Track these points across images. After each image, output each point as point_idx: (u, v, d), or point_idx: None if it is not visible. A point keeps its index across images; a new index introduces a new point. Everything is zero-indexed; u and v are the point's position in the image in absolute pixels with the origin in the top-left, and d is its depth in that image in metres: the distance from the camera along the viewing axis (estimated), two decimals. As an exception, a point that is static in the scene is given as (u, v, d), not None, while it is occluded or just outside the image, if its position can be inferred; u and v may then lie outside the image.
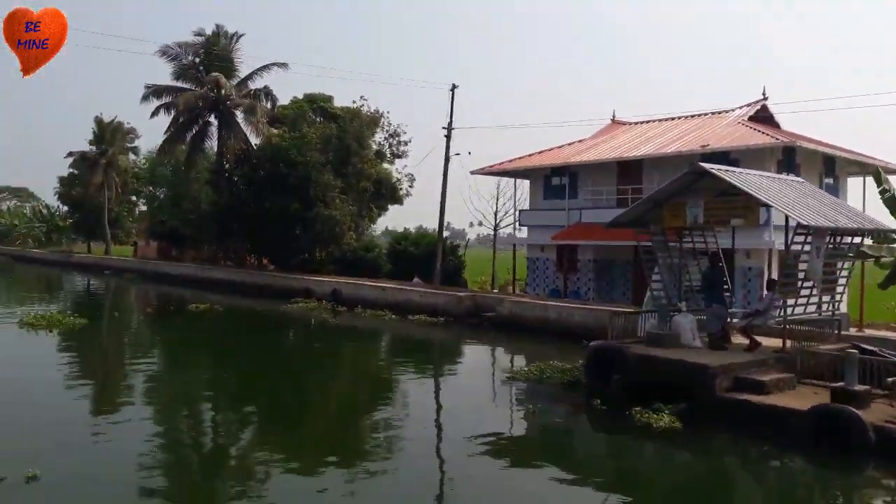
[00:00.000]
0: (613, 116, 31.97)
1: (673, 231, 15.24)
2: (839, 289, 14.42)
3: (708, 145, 22.92)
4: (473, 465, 9.65)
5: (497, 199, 35.27)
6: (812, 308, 13.69)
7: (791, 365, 12.58)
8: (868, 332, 16.95)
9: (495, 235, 37.66)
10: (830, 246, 13.64)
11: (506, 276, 34.86)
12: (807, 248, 12.91)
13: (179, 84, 41.86)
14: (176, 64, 41.45)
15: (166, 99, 41.24)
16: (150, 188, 60.04)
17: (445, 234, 35.79)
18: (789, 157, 22.36)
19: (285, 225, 37.00)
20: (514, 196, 32.35)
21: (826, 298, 14.01)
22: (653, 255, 15.37)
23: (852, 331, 16.67)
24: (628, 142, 27.75)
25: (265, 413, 12.85)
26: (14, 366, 16.04)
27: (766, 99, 26.45)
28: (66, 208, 75.39)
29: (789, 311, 13.39)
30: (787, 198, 13.45)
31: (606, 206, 25.96)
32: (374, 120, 41.12)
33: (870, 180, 24.52)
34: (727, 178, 13.14)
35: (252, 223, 38.59)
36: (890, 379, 11.15)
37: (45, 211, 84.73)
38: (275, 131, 38.68)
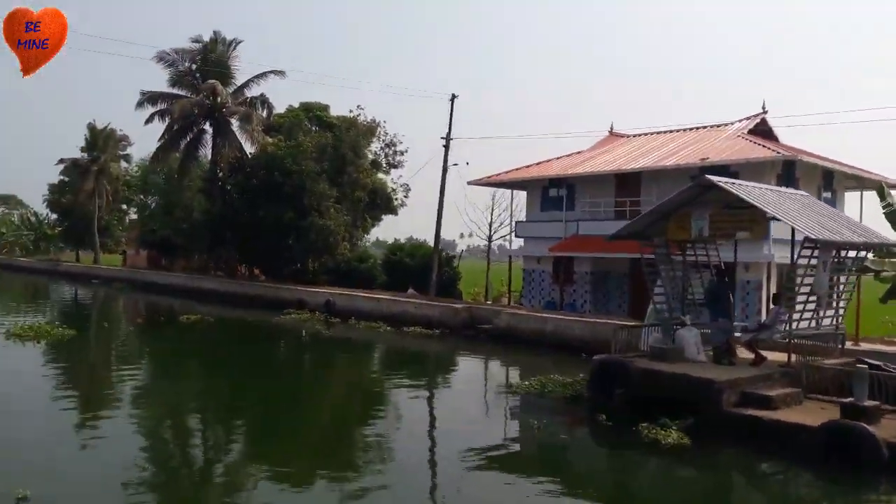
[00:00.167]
0: (611, 129, 31.96)
1: (675, 244, 15.10)
2: (842, 303, 14.30)
3: (707, 158, 22.87)
4: (478, 480, 9.43)
5: (492, 211, 35.19)
6: (815, 322, 13.54)
7: (797, 380, 12.41)
8: (864, 345, 16.83)
9: (489, 247, 37.51)
10: (835, 260, 13.53)
11: (499, 288, 34.65)
12: (813, 261, 12.77)
13: (175, 91, 41.54)
14: (172, 70, 41.17)
15: (161, 106, 40.95)
16: (142, 196, 59.57)
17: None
18: (789, 171, 22.36)
19: (279, 234, 36.68)
20: (511, 207, 32.28)
21: (830, 312, 13.87)
22: (655, 267, 15.21)
23: (848, 345, 16.55)
24: (626, 154, 27.70)
25: (257, 426, 12.54)
26: (1, 379, 15.59)
27: (765, 112, 26.51)
28: (54, 216, 74.62)
29: (793, 325, 13.23)
30: (793, 211, 13.34)
31: (604, 219, 25.88)
32: (371, 129, 40.95)
33: (867, 195, 24.58)
34: (734, 190, 13.02)
35: (245, 232, 38.23)
36: None
37: (33, 219, 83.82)
38: (270, 140, 38.41)
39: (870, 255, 15.87)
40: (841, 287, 14.14)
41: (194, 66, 41.50)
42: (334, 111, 42.31)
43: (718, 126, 27.41)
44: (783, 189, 16.30)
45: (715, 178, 13.56)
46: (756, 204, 12.78)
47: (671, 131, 29.20)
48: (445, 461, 10.40)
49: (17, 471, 8.80)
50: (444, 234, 34.31)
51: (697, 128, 28.37)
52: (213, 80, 39.74)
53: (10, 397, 13.29)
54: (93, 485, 8.74)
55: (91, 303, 40.11)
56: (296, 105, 42.89)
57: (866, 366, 11.23)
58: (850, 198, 26.35)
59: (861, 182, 24.57)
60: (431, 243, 34.22)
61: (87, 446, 10.51)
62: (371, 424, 12.99)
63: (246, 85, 41.80)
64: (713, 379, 11.77)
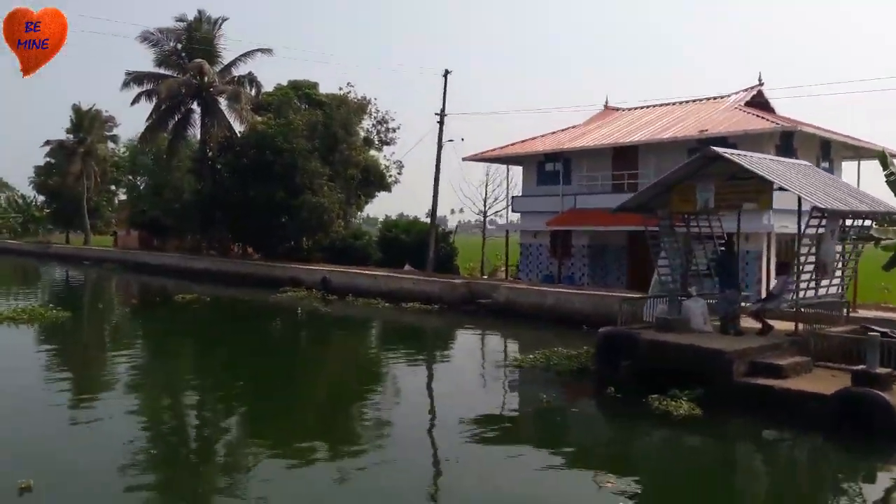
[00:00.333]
0: (606, 102, 31.72)
1: (678, 216, 15.00)
2: (847, 271, 14.29)
3: (706, 130, 22.73)
4: (488, 454, 9.39)
5: (486, 186, 35.01)
6: (822, 290, 13.52)
7: (805, 348, 12.41)
8: (861, 312, 16.87)
9: (484, 222, 37.43)
10: (840, 228, 13.47)
11: (495, 263, 34.58)
12: (821, 231, 12.72)
13: (161, 71, 40.90)
14: (157, 50, 40.50)
15: (148, 86, 40.28)
16: (131, 177, 58.87)
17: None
18: (787, 142, 22.28)
19: (270, 213, 36.37)
20: (507, 182, 32.09)
21: (836, 281, 13.86)
22: (658, 239, 15.13)
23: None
24: (623, 127, 27.52)
25: (255, 404, 12.36)
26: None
27: (761, 84, 26.34)
28: (42, 198, 73.81)
29: (799, 294, 13.20)
30: (799, 181, 13.25)
31: (601, 192, 25.78)
32: (361, 107, 40.58)
33: (864, 164, 24.58)
34: (741, 161, 12.90)
35: (236, 212, 37.87)
36: None
37: (20, 201, 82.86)
38: (259, 118, 37.93)
39: (873, 224, 15.82)
40: (847, 256, 14.12)
41: (180, 46, 40.82)
42: (323, 89, 41.84)
43: (715, 98, 27.26)
44: (786, 159, 16.21)
45: (720, 150, 13.43)
46: (763, 174, 12.67)
47: (667, 104, 29.01)
48: (448, 435, 10.23)
49: (18, 455, 8.69)
50: (437, 210, 34.12)
51: (694, 101, 28.20)
52: (199, 60, 39.11)
53: (6, 382, 13.05)
54: (95, 465, 8.60)
55: (83, 284, 39.73)
56: (284, 83, 42.32)
57: (878, 333, 11.18)
58: (848, 167, 26.35)
59: (858, 152, 24.54)
60: (422, 220, 34.01)
61: (86, 429, 10.29)
62: (371, 399, 12.90)
63: (233, 64, 41.20)
64: (723, 349, 11.73)
